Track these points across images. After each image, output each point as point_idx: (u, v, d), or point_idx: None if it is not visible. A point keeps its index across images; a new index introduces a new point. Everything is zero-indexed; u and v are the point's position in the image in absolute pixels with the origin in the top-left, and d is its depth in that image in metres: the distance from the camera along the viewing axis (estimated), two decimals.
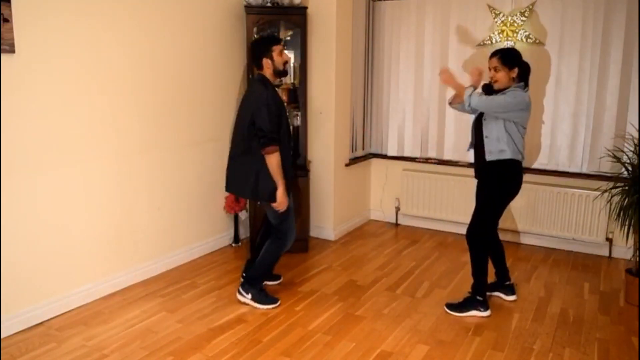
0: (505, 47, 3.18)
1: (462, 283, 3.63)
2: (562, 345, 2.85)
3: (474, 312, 3.18)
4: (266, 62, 3.13)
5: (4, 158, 2.78)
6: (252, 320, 3.10)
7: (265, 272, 3.35)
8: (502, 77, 3.07)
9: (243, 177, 3.13)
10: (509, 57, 3.07)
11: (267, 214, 3.30)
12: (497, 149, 3.08)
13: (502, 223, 4.48)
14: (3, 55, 2.70)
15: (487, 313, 3.17)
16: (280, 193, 3.07)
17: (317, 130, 4.49)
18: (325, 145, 4.49)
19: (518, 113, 3.02)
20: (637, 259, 3.40)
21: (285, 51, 4.24)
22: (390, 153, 5.02)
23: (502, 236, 4.55)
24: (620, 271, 3.89)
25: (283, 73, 3.23)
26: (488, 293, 3.37)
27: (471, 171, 4.51)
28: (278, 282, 3.64)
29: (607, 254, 4.23)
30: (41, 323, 3.04)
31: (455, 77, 3.21)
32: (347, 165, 4.70)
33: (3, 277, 2.84)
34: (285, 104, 4.32)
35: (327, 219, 4.61)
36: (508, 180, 3.14)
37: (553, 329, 3.04)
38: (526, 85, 3.14)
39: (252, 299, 3.26)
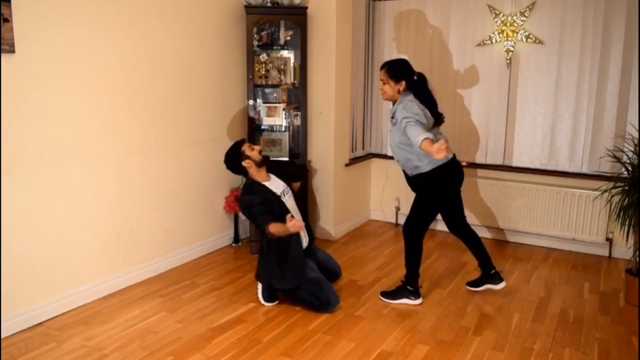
0: (394, 59, 3.26)
1: (462, 283, 3.63)
2: (562, 345, 2.85)
3: (405, 300, 3.33)
4: (246, 163, 3.26)
5: (3, 158, 2.78)
6: (252, 320, 3.10)
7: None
8: (388, 89, 3.15)
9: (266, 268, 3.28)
10: (395, 70, 3.12)
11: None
12: (411, 166, 3.17)
13: (502, 223, 4.52)
14: (3, 55, 2.70)
15: (418, 301, 3.32)
16: (289, 225, 2.98)
17: (317, 130, 4.48)
18: (325, 145, 4.49)
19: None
20: (637, 259, 3.40)
21: (285, 52, 4.29)
22: (390, 153, 5.01)
23: (502, 236, 4.59)
24: (620, 271, 3.89)
25: (266, 160, 3.33)
26: (477, 289, 3.47)
27: (470, 171, 4.54)
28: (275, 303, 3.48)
29: (607, 254, 4.22)
30: (41, 323, 3.04)
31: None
32: (347, 165, 4.70)
33: (3, 277, 2.85)
34: (285, 104, 4.33)
35: (327, 219, 4.61)
36: (438, 186, 3.20)
37: (553, 329, 3.04)
38: (424, 95, 3.11)
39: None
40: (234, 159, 3.30)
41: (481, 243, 3.43)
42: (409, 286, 3.35)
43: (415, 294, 3.34)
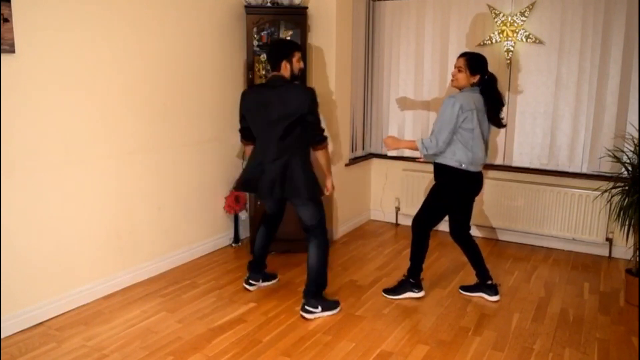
0: (476, 52, 3.28)
1: (463, 283, 3.63)
2: (562, 345, 2.85)
3: (408, 294, 3.40)
4: (285, 65, 3.10)
5: (3, 158, 2.78)
6: (252, 320, 3.10)
7: (326, 278, 3.25)
8: (461, 78, 3.17)
9: (292, 179, 3.07)
10: (474, 62, 3.15)
11: (302, 217, 3.18)
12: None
13: (502, 222, 4.52)
14: (3, 55, 2.70)
15: (421, 294, 3.41)
16: (332, 181, 3.29)
17: None
18: None
19: (458, 119, 3.07)
20: (637, 259, 3.40)
21: None
22: (390, 153, 5.02)
23: (502, 236, 4.59)
24: (620, 271, 3.89)
25: (297, 79, 3.24)
26: (470, 294, 3.47)
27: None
28: (275, 281, 3.64)
29: (607, 254, 4.23)
30: (41, 323, 3.04)
31: (398, 140, 3.38)
32: (347, 165, 4.70)
33: (3, 277, 2.85)
34: None
35: (327, 219, 4.56)
36: (454, 188, 3.24)
37: (553, 329, 3.04)
38: (491, 95, 3.17)
39: (323, 310, 3.16)
40: (280, 52, 3.12)
41: (480, 254, 3.44)
42: (412, 279, 3.39)
43: (418, 287, 3.41)
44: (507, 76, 4.36)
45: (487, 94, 3.17)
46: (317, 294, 3.19)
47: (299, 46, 3.27)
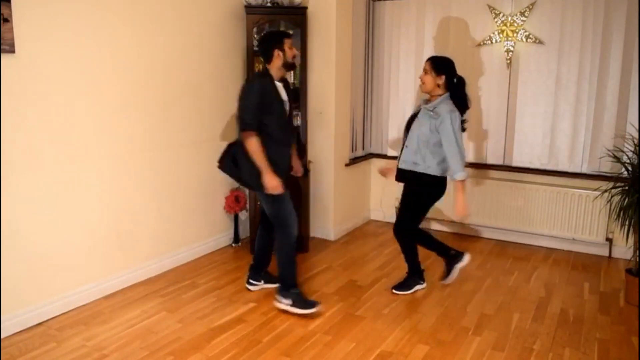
0: (442, 55, 3.34)
1: (462, 283, 3.63)
2: (562, 345, 2.85)
3: (417, 287, 3.55)
4: (277, 53, 3.09)
5: (3, 158, 2.78)
6: (252, 320, 3.10)
7: (293, 270, 3.24)
8: (428, 80, 3.22)
9: (239, 167, 3.12)
10: (438, 63, 3.21)
11: (264, 209, 3.26)
12: (411, 160, 3.27)
13: (501, 222, 4.52)
14: (3, 55, 2.70)
15: (424, 284, 3.58)
16: (267, 178, 3.01)
17: (317, 130, 4.48)
18: (325, 145, 4.49)
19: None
20: (637, 259, 3.40)
21: None
22: (390, 153, 5.02)
23: (501, 236, 4.59)
24: (620, 271, 3.89)
25: (292, 66, 3.24)
26: (451, 277, 3.47)
27: (470, 171, 4.54)
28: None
29: (607, 254, 4.23)
30: (41, 323, 3.04)
31: (462, 201, 3.19)
32: (347, 165, 4.70)
33: (3, 277, 2.85)
34: None
35: (327, 219, 4.61)
36: (430, 192, 3.32)
37: (553, 329, 3.04)
38: (460, 98, 3.20)
39: (293, 305, 3.16)
40: (271, 42, 3.13)
41: (431, 237, 3.50)
42: (416, 273, 3.55)
43: (422, 279, 3.58)
44: (507, 76, 4.36)
45: (456, 97, 3.21)
46: (283, 289, 3.22)
47: (289, 34, 3.25)
